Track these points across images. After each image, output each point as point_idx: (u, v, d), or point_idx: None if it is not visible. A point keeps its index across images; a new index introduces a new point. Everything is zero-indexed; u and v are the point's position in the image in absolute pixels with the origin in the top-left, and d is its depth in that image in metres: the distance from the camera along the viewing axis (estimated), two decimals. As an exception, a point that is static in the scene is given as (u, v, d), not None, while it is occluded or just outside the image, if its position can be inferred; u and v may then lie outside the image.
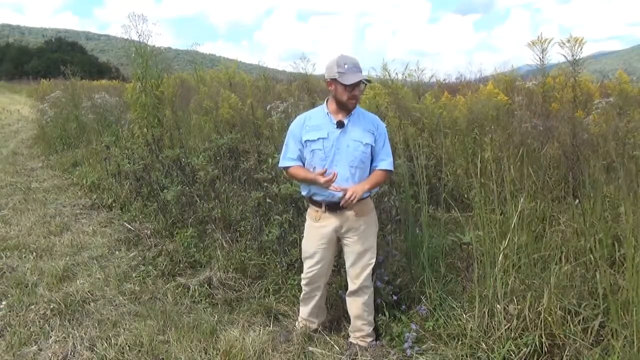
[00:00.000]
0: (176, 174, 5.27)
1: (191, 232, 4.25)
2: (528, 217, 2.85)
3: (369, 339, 2.91)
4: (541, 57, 4.09)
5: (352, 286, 2.87)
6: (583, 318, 2.48)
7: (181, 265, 4.05)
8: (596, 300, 2.54)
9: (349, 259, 2.85)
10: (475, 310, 2.69)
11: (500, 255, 2.70)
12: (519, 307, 2.57)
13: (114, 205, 5.87)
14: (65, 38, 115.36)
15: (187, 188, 4.83)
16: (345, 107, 2.70)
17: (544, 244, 2.90)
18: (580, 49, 3.85)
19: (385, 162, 2.76)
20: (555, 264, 2.70)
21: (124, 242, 4.74)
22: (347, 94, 2.63)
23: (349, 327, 3.01)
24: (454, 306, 2.86)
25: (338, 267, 3.31)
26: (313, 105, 6.07)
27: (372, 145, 2.74)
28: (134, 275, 4.00)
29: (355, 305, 2.89)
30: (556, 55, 4.06)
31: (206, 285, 3.67)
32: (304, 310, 3.05)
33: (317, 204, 2.80)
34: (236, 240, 4.08)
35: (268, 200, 4.02)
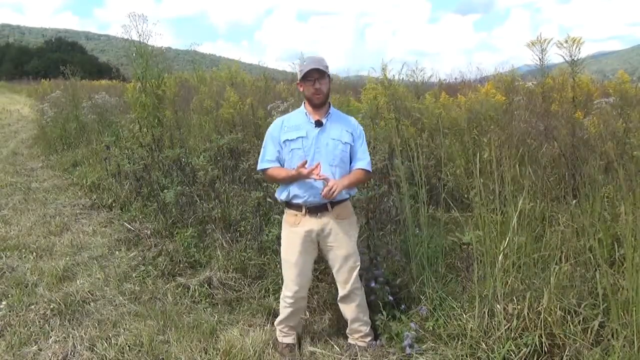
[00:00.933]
0: (176, 174, 5.27)
1: (191, 232, 4.25)
2: (528, 217, 2.85)
3: (368, 339, 2.91)
4: (540, 57, 4.10)
5: (342, 291, 2.84)
6: (583, 318, 2.48)
7: (181, 265, 4.05)
8: (596, 300, 2.54)
9: (335, 265, 2.82)
10: (475, 310, 2.69)
11: (500, 255, 2.70)
12: (518, 307, 2.57)
13: (114, 205, 5.87)
14: (65, 38, 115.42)
15: (187, 188, 4.83)
16: (314, 104, 2.73)
17: (544, 244, 2.90)
18: (579, 50, 3.85)
19: (364, 162, 2.78)
20: (555, 264, 2.70)
21: (124, 242, 4.74)
22: (310, 89, 2.69)
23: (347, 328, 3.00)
24: (454, 306, 2.86)
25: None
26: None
27: (350, 145, 2.77)
28: (134, 275, 4.00)
29: (350, 310, 2.87)
30: (556, 56, 4.07)
31: (206, 285, 3.67)
32: (286, 324, 2.95)
33: (297, 207, 2.76)
34: (236, 240, 4.08)
35: (268, 200, 4.02)
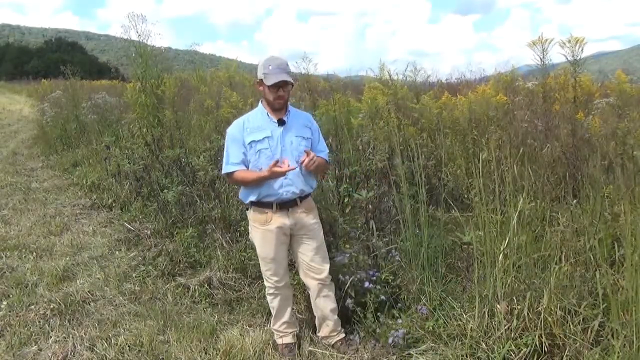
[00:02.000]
0: (176, 174, 5.27)
1: (191, 232, 4.25)
2: (528, 217, 2.85)
3: (342, 335, 2.95)
4: (541, 57, 4.09)
5: (313, 282, 2.86)
6: (583, 318, 2.48)
7: (181, 265, 4.05)
8: (596, 300, 2.54)
9: (307, 255, 2.84)
10: (475, 310, 2.69)
11: (501, 255, 2.70)
12: (518, 307, 2.57)
13: (114, 205, 5.88)
14: (65, 38, 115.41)
15: (187, 188, 4.83)
16: (273, 108, 2.76)
17: (544, 244, 2.90)
18: (581, 50, 3.85)
19: (323, 153, 2.90)
20: (555, 264, 2.69)
21: (124, 242, 4.74)
22: (272, 94, 2.70)
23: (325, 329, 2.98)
24: (454, 306, 2.85)
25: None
26: (314, 104, 6.07)
27: (310, 139, 2.84)
28: (134, 275, 4.01)
29: (324, 304, 2.89)
30: (556, 56, 4.06)
31: (206, 285, 3.67)
32: (281, 320, 2.96)
33: (267, 205, 2.77)
34: (236, 240, 4.08)
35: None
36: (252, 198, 2.79)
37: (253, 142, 2.74)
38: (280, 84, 2.66)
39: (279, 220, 2.77)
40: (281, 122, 2.75)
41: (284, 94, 2.70)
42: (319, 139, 2.92)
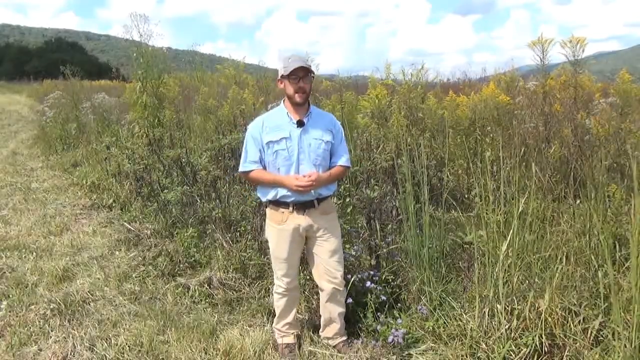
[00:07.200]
0: (176, 174, 5.27)
1: (191, 232, 4.25)
2: (530, 217, 2.85)
3: (345, 337, 2.94)
4: (542, 57, 4.09)
5: (328, 286, 2.82)
6: (583, 318, 2.48)
7: (181, 266, 4.04)
8: (597, 300, 2.54)
9: (323, 258, 2.81)
10: (475, 310, 2.69)
11: (502, 255, 2.70)
12: (519, 307, 2.57)
13: (114, 205, 5.87)
14: (66, 38, 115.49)
15: (187, 188, 4.83)
16: (295, 102, 2.71)
17: (545, 244, 2.90)
18: (582, 50, 3.85)
19: (344, 159, 2.83)
20: (557, 264, 2.69)
21: (124, 242, 4.74)
22: (293, 86, 2.66)
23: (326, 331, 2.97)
24: (454, 306, 2.85)
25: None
26: (316, 104, 6.07)
27: (331, 143, 2.78)
28: (134, 275, 4.00)
29: (333, 308, 2.87)
30: (557, 56, 4.06)
31: (206, 286, 3.67)
32: (284, 321, 2.95)
33: (284, 205, 2.75)
34: (236, 240, 4.07)
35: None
36: (270, 197, 2.76)
37: (270, 142, 2.70)
38: (298, 72, 2.63)
39: (294, 220, 2.74)
40: (300, 123, 2.71)
41: (304, 85, 2.66)
42: (340, 142, 2.84)
